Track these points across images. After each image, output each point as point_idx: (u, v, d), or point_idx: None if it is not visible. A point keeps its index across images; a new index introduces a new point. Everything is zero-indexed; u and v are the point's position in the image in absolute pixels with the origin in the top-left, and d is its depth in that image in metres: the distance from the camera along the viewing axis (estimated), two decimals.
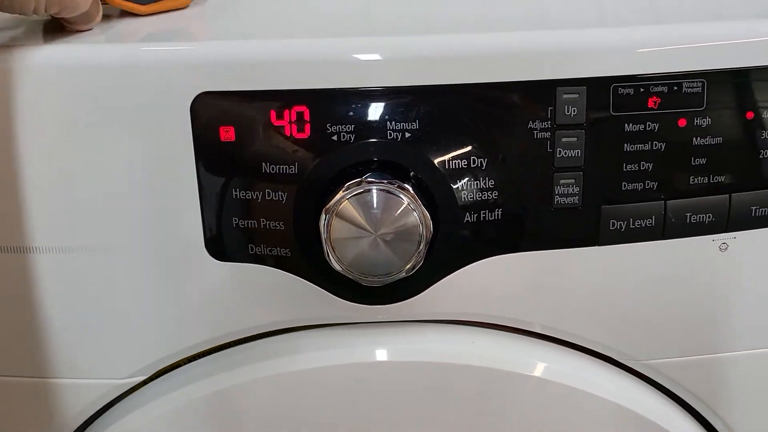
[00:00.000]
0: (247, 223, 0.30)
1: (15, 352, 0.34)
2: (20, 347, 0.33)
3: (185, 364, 0.34)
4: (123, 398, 0.35)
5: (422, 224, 0.28)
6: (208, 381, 0.33)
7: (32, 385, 0.34)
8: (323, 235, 0.29)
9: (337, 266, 0.29)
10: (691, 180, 0.31)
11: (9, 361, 0.34)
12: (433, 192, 0.29)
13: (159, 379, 0.34)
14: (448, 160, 0.29)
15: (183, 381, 0.34)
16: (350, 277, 0.29)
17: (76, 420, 0.35)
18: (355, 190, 0.28)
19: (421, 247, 0.29)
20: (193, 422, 0.34)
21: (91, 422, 0.36)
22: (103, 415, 0.35)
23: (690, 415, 0.36)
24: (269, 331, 0.33)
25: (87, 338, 0.33)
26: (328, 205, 0.28)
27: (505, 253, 0.31)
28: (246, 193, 0.30)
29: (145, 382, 0.34)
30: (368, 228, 0.28)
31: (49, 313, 0.32)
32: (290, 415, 0.33)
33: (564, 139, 0.30)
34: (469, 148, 0.30)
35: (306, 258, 0.30)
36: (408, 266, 0.29)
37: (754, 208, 0.32)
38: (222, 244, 0.31)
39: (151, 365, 0.34)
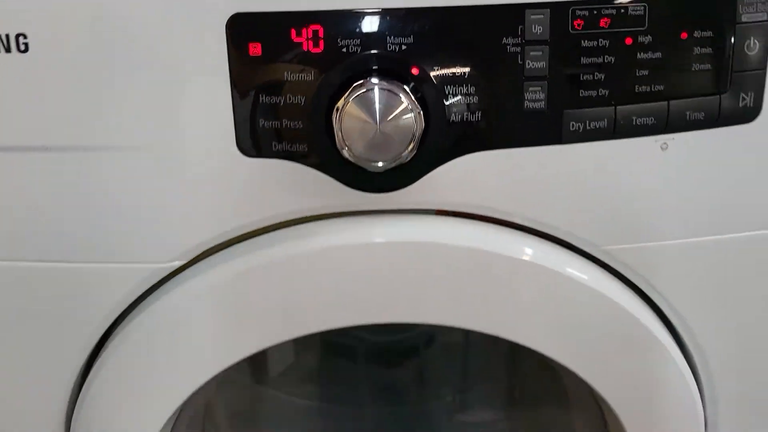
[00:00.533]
0: (272, 123, 0.37)
1: (64, 239, 0.40)
2: (69, 234, 0.40)
3: (218, 251, 0.41)
4: (164, 283, 0.41)
5: (416, 119, 0.35)
6: (237, 262, 0.40)
7: (77, 270, 0.41)
8: (335, 128, 0.35)
9: (346, 155, 0.36)
10: (636, 89, 0.38)
11: (58, 247, 0.40)
12: (425, 94, 0.36)
13: (195, 264, 0.41)
14: (437, 68, 0.36)
15: (217, 262, 0.40)
16: (357, 164, 0.36)
17: (121, 303, 0.42)
18: (361, 90, 0.35)
19: (415, 138, 0.35)
20: (226, 297, 0.40)
21: (136, 306, 0.42)
22: (147, 299, 0.42)
23: (638, 296, 0.43)
24: (289, 221, 0.40)
25: (134, 226, 0.39)
26: (338, 104, 0.35)
27: (485, 150, 0.38)
28: (270, 98, 0.36)
29: (183, 268, 0.41)
30: (372, 121, 0.35)
31: (96, 204, 0.39)
32: (304, 292, 0.40)
33: (532, 53, 0.37)
34: (454, 59, 0.36)
35: (320, 151, 0.37)
36: (404, 153, 0.35)
37: (688, 112, 0.38)
38: (250, 142, 0.37)
39: (188, 251, 0.40)
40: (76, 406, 0.44)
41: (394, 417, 0.73)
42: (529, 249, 0.40)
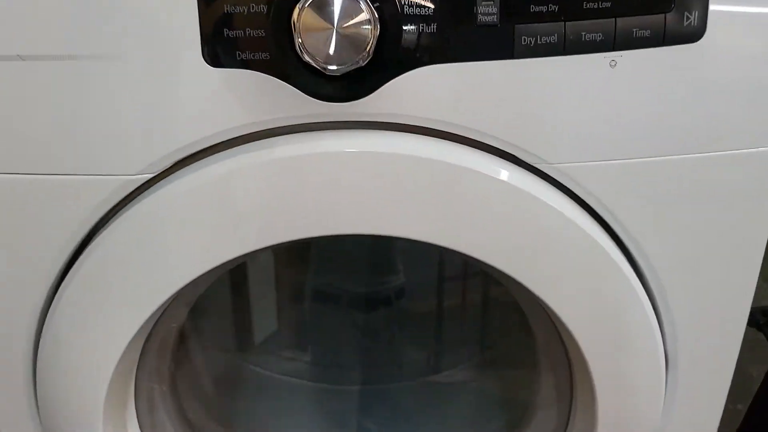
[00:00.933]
0: (235, 33, 0.39)
1: (30, 150, 0.41)
2: (35, 146, 0.41)
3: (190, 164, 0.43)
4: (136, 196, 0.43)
5: (371, 23, 0.37)
6: (207, 170, 0.41)
7: (47, 182, 0.42)
8: (295, 33, 0.37)
9: (305, 57, 0.37)
10: (585, 5, 0.39)
11: (25, 158, 0.42)
12: (382, 3, 0.38)
13: (168, 176, 0.42)
14: None
15: (184, 174, 0.42)
16: (316, 66, 0.38)
17: (91, 217, 0.43)
18: None
19: (370, 42, 0.37)
20: (192, 207, 0.42)
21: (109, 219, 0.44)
22: (119, 212, 0.43)
23: (589, 215, 0.45)
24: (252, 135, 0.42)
25: (101, 138, 0.41)
26: (299, 5, 0.36)
27: (439, 63, 0.40)
28: (234, 8, 0.38)
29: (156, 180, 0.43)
30: (329, 24, 0.37)
31: (63, 115, 0.41)
32: (273, 197, 0.42)
33: None
34: None
35: (282, 59, 0.39)
36: (360, 55, 0.37)
37: (635, 30, 0.40)
38: (216, 52, 0.39)
39: (156, 162, 0.42)
40: (48, 315, 0.46)
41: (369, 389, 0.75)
42: (483, 163, 0.42)
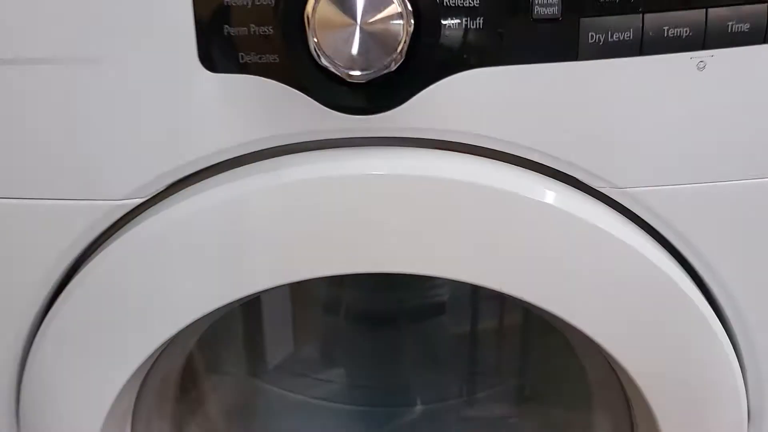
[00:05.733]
0: (238, 30, 0.32)
1: (15, 174, 0.35)
2: (20, 168, 0.35)
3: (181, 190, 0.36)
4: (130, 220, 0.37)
5: (404, 17, 0.30)
6: (205, 195, 0.35)
7: (36, 207, 0.36)
8: (308, 31, 0.30)
9: (322, 60, 0.30)
10: None
11: (11, 182, 0.36)
12: None
13: (162, 200, 0.36)
14: None
15: (183, 197, 0.35)
16: (335, 72, 0.31)
17: (75, 245, 0.37)
18: None
19: (402, 40, 0.30)
20: (195, 230, 0.35)
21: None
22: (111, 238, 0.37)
23: (663, 247, 0.37)
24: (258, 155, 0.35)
25: (83, 158, 0.35)
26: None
27: (486, 66, 0.33)
28: (236, 1, 0.31)
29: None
30: (351, 19, 0.30)
31: (46, 131, 0.34)
32: (283, 228, 0.35)
33: None
34: None
35: (293, 62, 0.32)
36: (390, 58, 0.30)
37: (730, 23, 0.33)
38: (214, 53, 0.32)
39: (146, 185, 0.35)
40: (30, 355, 0.39)
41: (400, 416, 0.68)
42: (538, 187, 0.35)
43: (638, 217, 0.37)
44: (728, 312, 0.40)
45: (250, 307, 0.63)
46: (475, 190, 0.34)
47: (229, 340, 0.65)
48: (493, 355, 0.68)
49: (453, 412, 0.66)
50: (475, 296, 0.65)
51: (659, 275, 0.37)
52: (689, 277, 0.39)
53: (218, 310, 0.38)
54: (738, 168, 0.36)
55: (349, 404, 0.69)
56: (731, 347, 0.40)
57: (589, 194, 0.36)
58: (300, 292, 0.66)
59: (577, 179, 0.36)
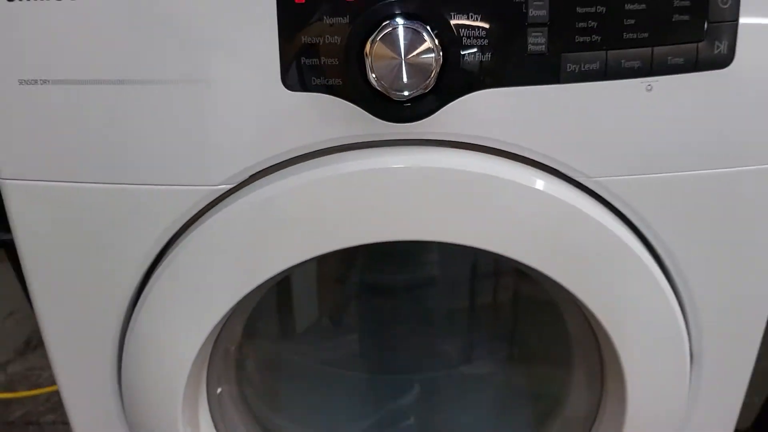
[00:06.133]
0: (312, 61, 0.43)
1: (127, 163, 0.46)
2: (131, 159, 0.46)
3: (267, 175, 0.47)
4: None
5: (435, 54, 0.41)
6: (278, 185, 0.46)
7: (140, 191, 0.47)
8: (367, 63, 0.42)
9: (376, 86, 0.42)
10: (624, 35, 0.44)
11: (124, 170, 0.47)
12: (443, 36, 0.42)
13: (244, 188, 0.47)
14: (454, 14, 0.42)
15: (261, 185, 0.47)
16: (385, 93, 0.42)
17: (177, 221, 0.48)
18: (388, 29, 0.41)
19: (434, 71, 0.42)
20: (268, 214, 0.47)
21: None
22: (202, 218, 0.48)
23: (623, 223, 0.49)
24: (323, 150, 0.47)
25: (190, 153, 0.46)
26: (371, 38, 0.41)
27: (493, 88, 0.44)
28: (311, 39, 0.43)
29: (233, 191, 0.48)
30: (397, 56, 0.41)
31: (159, 132, 0.45)
32: (344, 205, 0.46)
33: (534, 3, 0.43)
34: (469, 6, 0.42)
35: (353, 84, 0.43)
36: (425, 83, 0.42)
37: (669, 58, 0.44)
38: (294, 78, 0.44)
39: (236, 175, 0.47)
40: (133, 315, 0.51)
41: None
42: (531, 177, 0.47)
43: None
44: (675, 275, 0.52)
45: (280, 284, 0.74)
46: (486, 178, 0.46)
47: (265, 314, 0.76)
48: (488, 323, 0.80)
49: (450, 372, 0.78)
50: (474, 271, 0.77)
51: (620, 244, 0.48)
52: (646, 247, 0.51)
53: (272, 279, 0.49)
54: (683, 163, 0.47)
55: (356, 371, 0.80)
56: (676, 302, 0.52)
57: (571, 183, 0.48)
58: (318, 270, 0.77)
59: (561, 172, 0.48)
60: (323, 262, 0.74)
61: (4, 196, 0.49)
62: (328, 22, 0.42)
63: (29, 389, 1.26)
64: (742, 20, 0.44)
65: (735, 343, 0.56)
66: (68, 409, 0.57)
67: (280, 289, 0.73)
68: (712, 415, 0.60)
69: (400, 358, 0.80)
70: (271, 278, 0.49)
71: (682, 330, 0.52)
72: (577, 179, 0.47)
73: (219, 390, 0.60)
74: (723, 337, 0.55)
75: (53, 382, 1.26)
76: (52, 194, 0.48)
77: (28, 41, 0.44)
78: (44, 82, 0.45)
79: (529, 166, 0.47)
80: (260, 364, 0.72)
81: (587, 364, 0.62)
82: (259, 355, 0.72)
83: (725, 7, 0.44)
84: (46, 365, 1.32)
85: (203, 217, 0.48)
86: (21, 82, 0.45)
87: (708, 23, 0.44)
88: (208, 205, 0.48)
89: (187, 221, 0.49)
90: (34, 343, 1.38)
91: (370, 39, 0.41)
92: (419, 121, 0.44)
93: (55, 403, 1.24)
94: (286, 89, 0.44)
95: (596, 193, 0.48)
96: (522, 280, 0.75)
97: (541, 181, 0.47)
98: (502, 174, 0.46)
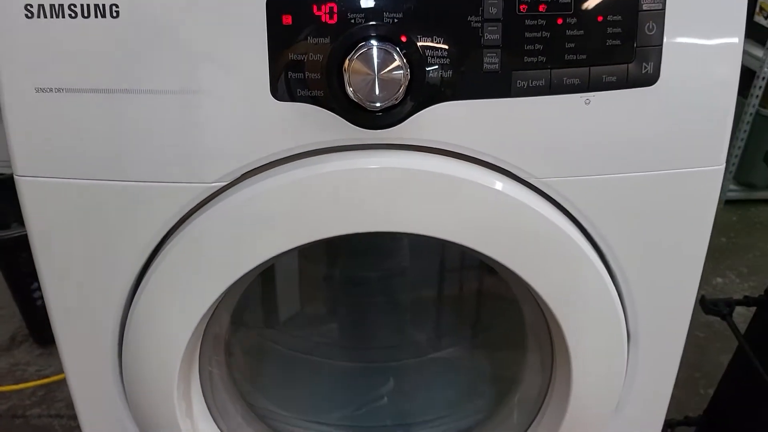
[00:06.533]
0: (297, 75, 0.50)
1: (131, 162, 0.52)
2: (136, 159, 0.52)
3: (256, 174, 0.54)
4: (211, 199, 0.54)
5: (404, 71, 0.48)
6: (267, 182, 0.52)
7: (142, 188, 0.53)
8: (345, 78, 0.48)
9: (353, 97, 0.49)
10: (566, 57, 0.51)
11: (127, 169, 0.53)
12: (411, 55, 0.49)
13: (236, 184, 0.54)
14: (420, 37, 0.49)
15: (251, 184, 0.53)
16: (361, 104, 0.49)
17: (176, 214, 0.54)
18: (364, 49, 0.48)
19: (402, 85, 0.49)
20: (255, 210, 0.53)
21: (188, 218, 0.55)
22: (197, 212, 0.55)
23: (567, 217, 0.56)
24: (307, 153, 0.53)
25: (189, 153, 0.52)
26: (349, 57, 0.48)
27: (454, 100, 0.51)
28: (297, 56, 0.50)
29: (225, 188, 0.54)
30: (372, 72, 0.48)
31: (161, 135, 0.52)
32: (315, 206, 0.53)
33: (489, 28, 0.50)
34: (433, 29, 0.49)
35: (333, 96, 0.50)
36: (395, 96, 0.49)
37: (604, 76, 0.52)
38: (281, 89, 0.50)
39: (229, 174, 0.53)
40: (133, 301, 0.57)
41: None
42: (487, 177, 0.54)
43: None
44: (613, 264, 0.59)
45: (264, 277, 0.81)
46: (448, 178, 0.53)
47: (250, 304, 0.82)
48: (455, 313, 0.87)
49: (424, 357, 0.85)
50: (442, 266, 0.84)
51: (565, 237, 0.56)
52: (587, 239, 0.58)
53: (257, 268, 0.56)
54: (617, 166, 0.55)
55: (333, 359, 0.86)
56: (614, 287, 0.60)
57: (521, 183, 0.55)
58: (301, 265, 0.83)
59: (513, 173, 0.55)
60: (303, 256, 0.80)
61: (18, 192, 0.54)
62: (312, 41, 0.49)
63: (15, 384, 1.30)
64: (665, 45, 0.52)
65: (667, 323, 0.64)
66: (73, 391, 0.63)
67: (262, 282, 0.79)
68: (648, 392, 0.68)
69: (374, 346, 0.87)
70: (257, 268, 0.56)
71: (619, 312, 0.60)
72: (527, 180, 0.55)
73: (210, 370, 0.66)
74: (656, 319, 0.63)
75: (39, 377, 1.30)
76: (62, 190, 0.54)
77: (45, 54, 0.50)
78: (58, 90, 0.51)
79: (485, 168, 0.54)
80: (244, 349, 0.78)
81: (540, 349, 0.70)
82: (243, 340, 0.79)
83: (651, 33, 0.52)
84: (31, 361, 1.36)
85: (199, 211, 0.54)
86: (37, 89, 0.51)
87: (636, 47, 0.52)
88: (203, 200, 0.54)
89: (185, 215, 0.55)
90: (19, 339, 1.41)
91: (348, 57, 0.48)
92: (390, 128, 0.51)
93: (40, 397, 1.28)
94: (274, 99, 0.51)
95: (544, 192, 0.55)
96: (486, 275, 0.82)
97: (495, 181, 0.54)
98: (463, 174, 0.53)
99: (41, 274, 0.57)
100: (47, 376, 1.30)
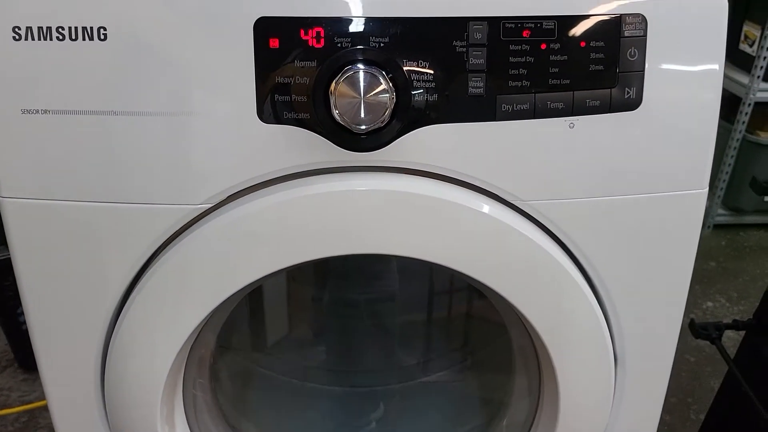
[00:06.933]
0: (284, 98, 0.50)
1: (117, 183, 0.52)
2: (121, 179, 0.52)
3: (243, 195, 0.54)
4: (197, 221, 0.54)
5: (389, 95, 0.49)
6: (253, 204, 0.53)
7: (129, 209, 0.53)
8: (331, 101, 0.49)
9: (339, 120, 0.49)
10: (550, 81, 0.52)
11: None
12: (397, 79, 0.50)
13: (222, 207, 0.54)
14: (406, 61, 0.50)
15: (237, 205, 0.53)
16: (347, 126, 0.49)
17: (162, 235, 0.54)
18: (350, 72, 0.48)
19: (388, 108, 0.49)
20: (242, 231, 0.53)
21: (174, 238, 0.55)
22: (183, 233, 0.54)
23: (553, 240, 0.57)
24: (294, 175, 0.53)
25: (176, 175, 0.52)
26: (336, 80, 0.48)
27: (439, 123, 0.52)
28: (284, 79, 0.50)
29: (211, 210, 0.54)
30: (358, 95, 0.48)
31: (153, 159, 0.52)
32: (302, 227, 0.53)
33: (474, 53, 0.51)
34: (418, 55, 0.50)
35: (320, 118, 0.50)
36: (381, 118, 0.49)
37: (588, 101, 0.53)
38: (268, 112, 0.51)
39: (216, 195, 0.53)
40: (117, 322, 0.56)
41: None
42: (473, 199, 0.54)
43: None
44: (598, 286, 0.60)
45: (251, 298, 0.80)
46: (434, 201, 0.53)
47: (237, 327, 0.81)
48: (444, 337, 0.87)
49: (413, 381, 0.84)
50: (431, 289, 0.84)
51: (550, 259, 0.56)
52: (572, 261, 0.58)
53: (244, 290, 0.55)
54: (601, 189, 0.55)
55: (320, 383, 0.86)
56: (600, 310, 0.60)
57: (507, 205, 0.56)
58: (289, 289, 0.83)
59: (498, 195, 0.55)
60: (291, 278, 0.80)
61: (2, 213, 0.54)
62: (298, 65, 0.50)
63: None
64: (648, 70, 0.53)
65: (654, 346, 0.64)
66: (54, 416, 0.62)
67: (249, 303, 0.79)
68: (637, 415, 0.68)
69: (362, 370, 0.86)
70: (243, 289, 0.56)
71: (606, 335, 0.60)
72: (512, 202, 0.55)
73: (194, 393, 0.65)
74: (643, 341, 0.63)
75: (22, 403, 1.28)
76: (47, 211, 0.54)
77: (32, 77, 0.50)
78: (45, 111, 0.51)
79: (471, 191, 0.55)
80: (230, 372, 0.77)
81: (528, 373, 0.69)
82: (229, 363, 0.78)
83: (633, 59, 0.52)
84: (14, 386, 1.35)
85: (185, 233, 0.54)
86: (23, 111, 0.51)
87: (619, 72, 0.52)
88: (189, 221, 0.54)
89: (170, 236, 0.55)
90: (3, 365, 1.39)
91: (335, 80, 0.49)
92: (376, 151, 0.51)
93: (23, 423, 1.26)
94: (261, 122, 0.51)
95: (529, 215, 0.56)
96: (474, 299, 0.82)
97: (482, 204, 0.54)
98: (448, 197, 0.53)
99: (23, 296, 0.57)
100: (30, 402, 1.28)
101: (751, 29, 1.92)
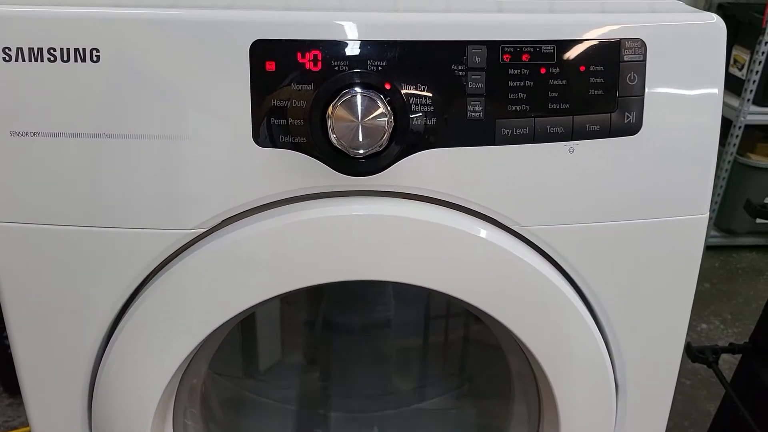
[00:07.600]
0: (280, 121, 0.49)
1: (110, 209, 0.51)
2: (112, 204, 0.51)
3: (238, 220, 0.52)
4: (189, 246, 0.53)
5: (387, 118, 0.48)
6: (248, 229, 0.51)
7: (120, 233, 0.52)
8: (329, 124, 0.48)
9: (336, 144, 0.48)
10: (549, 105, 0.51)
11: (103, 215, 0.51)
12: (395, 103, 0.49)
13: (215, 232, 0.52)
14: (404, 85, 0.49)
15: (231, 230, 0.52)
16: (344, 150, 0.48)
17: (154, 261, 0.53)
18: (348, 96, 0.48)
19: (386, 132, 0.48)
20: (237, 257, 0.52)
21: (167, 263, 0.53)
22: (176, 258, 0.53)
23: (553, 266, 0.56)
24: (290, 199, 0.52)
25: (169, 200, 0.51)
26: (333, 103, 0.47)
27: (438, 148, 0.51)
28: (280, 103, 0.49)
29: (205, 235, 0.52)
30: (355, 119, 0.48)
31: (146, 184, 0.50)
32: (297, 253, 0.52)
33: (473, 77, 0.50)
34: (417, 78, 0.49)
35: (317, 142, 0.49)
36: (378, 142, 0.48)
37: (588, 125, 0.52)
38: (264, 136, 0.50)
39: (209, 220, 0.52)
40: (106, 350, 0.54)
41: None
42: (472, 225, 0.53)
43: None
44: (599, 312, 0.59)
45: (244, 324, 0.79)
46: (433, 226, 0.52)
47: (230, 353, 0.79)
48: (441, 362, 0.85)
49: (409, 407, 0.82)
50: (428, 314, 0.82)
51: (549, 285, 0.55)
52: (572, 287, 0.57)
53: (238, 316, 0.54)
54: (601, 214, 0.55)
55: (315, 409, 0.84)
56: (602, 339, 0.59)
57: (506, 231, 0.55)
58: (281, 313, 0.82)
59: (497, 220, 0.54)
60: (285, 303, 0.79)
61: None
62: (295, 88, 0.49)
63: None
64: (647, 95, 0.52)
65: (655, 373, 0.63)
66: None
67: (240, 330, 0.77)
68: None
69: (357, 396, 0.85)
70: (237, 316, 0.54)
71: (606, 361, 0.59)
72: (512, 228, 0.54)
73: (185, 422, 0.63)
74: (644, 368, 0.62)
75: (6, 428, 1.25)
76: (34, 236, 0.52)
77: (21, 98, 0.49)
78: (34, 134, 0.50)
79: (470, 216, 0.54)
80: (222, 399, 0.75)
81: (527, 399, 0.68)
82: (221, 391, 0.76)
83: (633, 83, 0.52)
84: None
85: (176, 258, 0.53)
86: (12, 133, 0.50)
87: (619, 97, 0.52)
88: (181, 247, 0.53)
89: (161, 262, 0.53)
90: None
91: (332, 104, 0.48)
92: (374, 175, 0.51)
93: None
94: (256, 145, 0.50)
95: (529, 240, 0.55)
96: (472, 324, 0.81)
97: (480, 229, 0.53)
98: (447, 222, 0.52)
99: (8, 321, 0.55)
100: (15, 428, 1.25)
101: (740, 53, 1.94)
